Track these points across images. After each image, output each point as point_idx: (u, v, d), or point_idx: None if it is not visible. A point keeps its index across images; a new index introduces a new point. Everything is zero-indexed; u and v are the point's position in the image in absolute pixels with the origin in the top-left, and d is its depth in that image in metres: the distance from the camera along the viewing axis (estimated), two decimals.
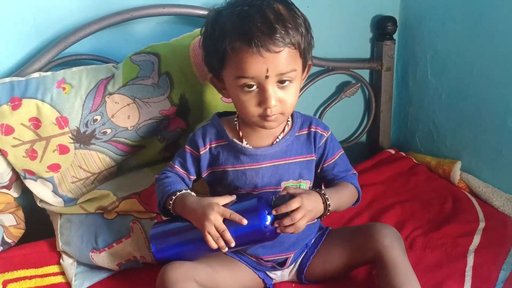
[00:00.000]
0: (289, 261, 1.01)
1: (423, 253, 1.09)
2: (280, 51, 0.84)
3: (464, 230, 1.15)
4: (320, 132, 1.00)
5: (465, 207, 1.24)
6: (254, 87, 0.87)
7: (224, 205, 0.89)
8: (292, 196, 0.88)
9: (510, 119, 1.26)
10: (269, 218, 0.87)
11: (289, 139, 0.98)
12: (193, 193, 0.94)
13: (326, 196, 0.91)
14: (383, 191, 1.35)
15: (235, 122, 0.98)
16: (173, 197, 0.92)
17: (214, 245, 0.86)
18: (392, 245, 0.94)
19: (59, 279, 1.09)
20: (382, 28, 1.49)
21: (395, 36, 1.52)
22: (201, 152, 0.98)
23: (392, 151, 1.54)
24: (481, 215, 1.21)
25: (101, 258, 1.09)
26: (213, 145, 0.98)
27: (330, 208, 0.91)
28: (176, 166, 1.00)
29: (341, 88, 1.55)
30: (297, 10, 0.90)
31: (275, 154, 0.96)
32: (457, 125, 1.43)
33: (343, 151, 1.04)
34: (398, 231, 1.15)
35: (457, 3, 1.34)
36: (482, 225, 1.17)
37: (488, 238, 1.12)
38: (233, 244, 0.86)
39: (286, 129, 0.98)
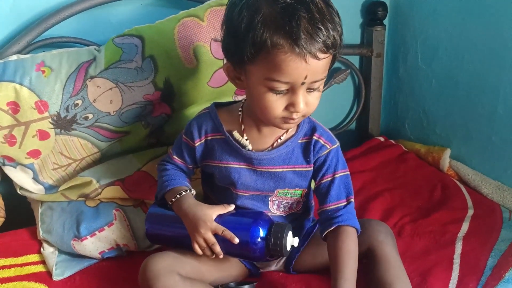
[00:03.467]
0: None
1: (412, 241, 1.08)
2: (324, 58, 0.78)
3: (452, 218, 1.14)
4: (322, 143, 0.92)
5: (454, 195, 1.24)
6: (284, 90, 0.81)
7: (220, 215, 0.90)
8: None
9: (500, 106, 1.25)
10: (262, 242, 0.87)
11: (291, 145, 0.92)
12: (193, 192, 0.94)
13: None
14: (372, 178, 1.34)
15: (239, 113, 0.92)
16: (173, 199, 0.92)
17: (200, 253, 0.89)
18: (386, 241, 0.93)
19: (39, 268, 1.07)
20: (373, 13, 1.47)
21: (386, 21, 1.50)
22: (196, 144, 0.94)
23: (382, 139, 1.53)
24: (469, 202, 1.21)
25: (83, 247, 1.06)
26: (209, 137, 0.94)
27: None
28: (174, 156, 0.98)
29: (331, 75, 1.53)
30: (333, 5, 0.81)
31: (273, 160, 0.91)
32: (447, 112, 1.42)
33: (348, 173, 0.95)
34: (386, 218, 1.16)
35: None
36: (470, 212, 1.17)
37: (477, 226, 1.12)
38: (221, 256, 0.88)
39: (290, 131, 0.93)
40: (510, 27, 1.18)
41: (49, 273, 1.05)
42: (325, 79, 0.83)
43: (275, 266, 1.03)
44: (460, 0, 1.30)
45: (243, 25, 0.78)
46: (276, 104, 0.81)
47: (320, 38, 0.76)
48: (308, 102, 0.83)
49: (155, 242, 0.98)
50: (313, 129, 0.94)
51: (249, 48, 0.78)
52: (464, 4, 1.29)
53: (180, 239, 0.93)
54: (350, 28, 1.51)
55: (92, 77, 1.07)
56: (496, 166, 1.29)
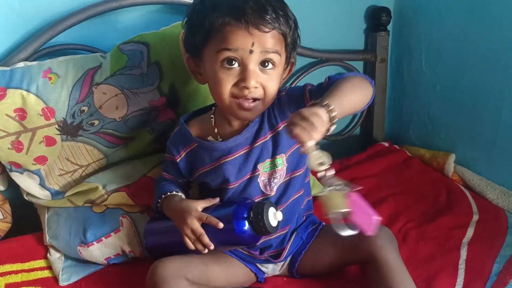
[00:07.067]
0: (284, 254, 1.00)
1: (416, 246, 1.08)
2: (268, 31, 0.84)
3: (457, 223, 1.14)
4: (278, 97, 0.92)
5: (459, 200, 1.24)
6: (236, 65, 0.85)
7: (206, 208, 0.92)
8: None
9: (505, 111, 1.25)
10: (246, 223, 0.88)
11: (254, 123, 0.94)
12: (180, 194, 0.98)
13: (325, 102, 0.76)
14: (377, 184, 1.34)
15: (211, 119, 0.96)
16: (159, 200, 0.97)
17: (191, 247, 0.90)
18: (386, 246, 0.92)
19: (46, 273, 1.07)
20: (376, 19, 1.48)
21: (389, 27, 1.51)
22: (177, 160, 0.99)
23: (386, 144, 1.53)
24: (474, 208, 1.20)
25: (89, 252, 1.07)
26: (187, 150, 0.98)
27: (333, 109, 0.76)
28: (164, 172, 1.04)
29: None
30: (288, 7, 0.90)
31: (247, 140, 0.94)
32: (452, 117, 1.41)
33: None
34: (391, 223, 1.15)
35: None
36: (475, 217, 1.16)
37: (482, 231, 1.11)
38: (212, 247, 0.89)
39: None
40: None
41: (55, 279, 1.06)
42: (280, 59, 0.87)
43: (279, 270, 1.03)
44: (464, 5, 1.30)
45: (197, 15, 0.87)
46: (227, 80, 0.85)
47: (264, 13, 0.82)
48: (262, 83, 0.86)
49: (157, 255, 0.96)
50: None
51: (202, 32, 0.86)
52: (468, 9, 1.29)
53: (179, 245, 0.92)
54: (354, 33, 1.52)
55: (98, 84, 1.08)
56: (501, 171, 1.28)
